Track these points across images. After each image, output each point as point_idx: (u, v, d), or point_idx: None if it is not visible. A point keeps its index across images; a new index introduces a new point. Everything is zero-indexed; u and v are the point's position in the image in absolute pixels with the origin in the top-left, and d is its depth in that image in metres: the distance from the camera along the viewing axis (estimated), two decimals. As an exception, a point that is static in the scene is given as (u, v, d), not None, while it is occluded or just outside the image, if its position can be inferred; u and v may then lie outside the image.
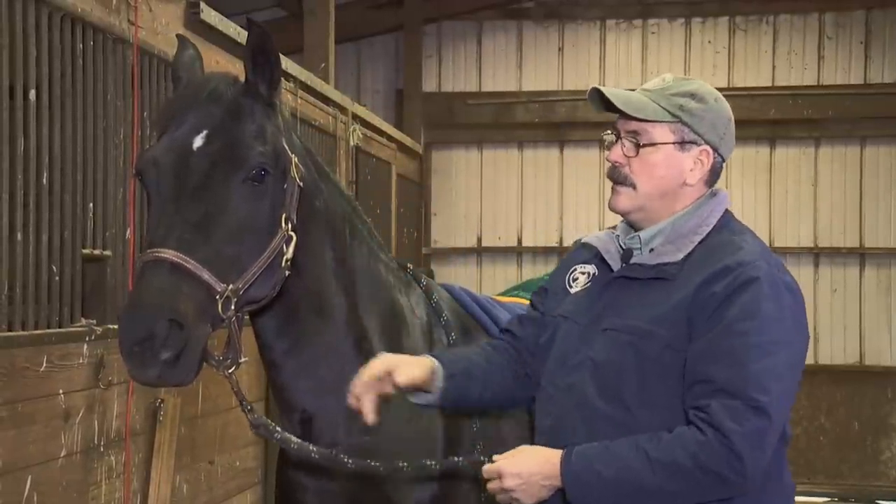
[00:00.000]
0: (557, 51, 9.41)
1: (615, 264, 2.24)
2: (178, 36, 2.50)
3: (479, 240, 9.41)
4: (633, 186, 2.20)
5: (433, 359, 2.27)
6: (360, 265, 2.51)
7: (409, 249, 8.65)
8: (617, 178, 2.23)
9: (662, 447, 1.97)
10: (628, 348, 2.09)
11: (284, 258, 2.18)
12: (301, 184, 2.26)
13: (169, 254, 1.97)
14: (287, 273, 2.21)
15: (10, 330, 3.06)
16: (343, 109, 6.57)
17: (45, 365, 3.16)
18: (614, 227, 2.37)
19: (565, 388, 2.18)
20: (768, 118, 8.95)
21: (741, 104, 8.92)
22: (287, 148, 2.26)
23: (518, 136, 9.25)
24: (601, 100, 2.22)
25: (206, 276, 1.99)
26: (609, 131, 2.29)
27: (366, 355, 2.38)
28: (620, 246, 2.27)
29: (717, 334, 2.02)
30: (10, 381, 2.99)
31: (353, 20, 8.74)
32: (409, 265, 2.90)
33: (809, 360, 8.88)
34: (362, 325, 2.48)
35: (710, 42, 9.23)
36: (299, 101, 5.54)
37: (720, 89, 8.44)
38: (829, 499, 8.62)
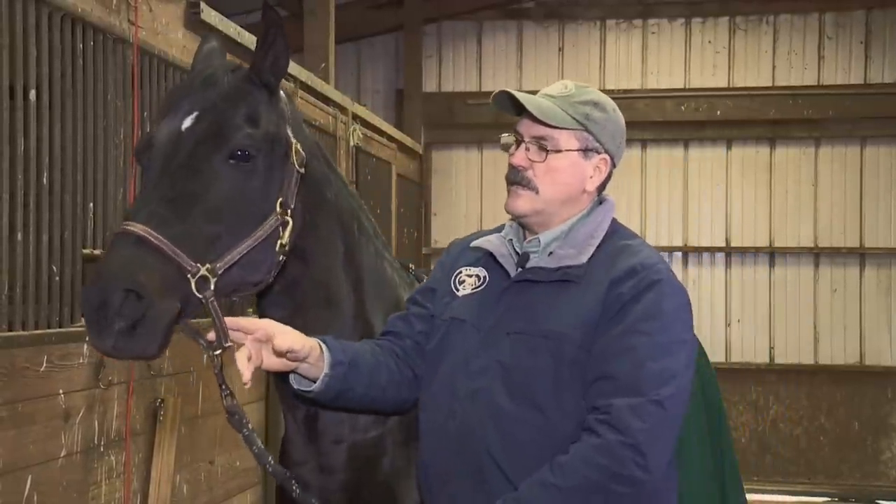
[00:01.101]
0: (557, 51, 9.41)
1: (511, 268, 2.24)
2: (203, 35, 2.52)
3: (480, 240, 9.40)
4: (536, 190, 2.22)
5: (320, 342, 2.16)
6: (368, 262, 2.50)
7: (410, 249, 8.65)
8: (518, 180, 2.24)
9: (568, 473, 1.96)
10: (542, 351, 2.09)
11: (279, 242, 2.16)
12: (302, 170, 2.26)
13: (137, 227, 1.96)
14: (282, 258, 2.19)
15: (10, 330, 3.06)
16: (343, 109, 6.57)
17: (45, 365, 3.16)
18: (499, 229, 2.38)
19: (469, 393, 2.14)
20: (768, 118, 8.95)
21: (741, 104, 8.96)
22: (291, 134, 2.26)
23: (518, 137, 9.24)
24: (511, 102, 2.24)
25: (172, 251, 1.97)
26: (508, 133, 2.30)
27: None
28: (515, 249, 2.28)
29: (620, 333, 2.05)
30: (11, 381, 3.00)
31: (353, 20, 8.75)
32: (411, 265, 2.89)
33: (809, 360, 8.99)
34: (369, 321, 2.47)
35: (710, 42, 9.23)
36: (299, 100, 5.54)
37: (720, 89, 8.51)
38: (829, 499, 8.62)
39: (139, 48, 3.75)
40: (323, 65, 6.45)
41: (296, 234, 2.22)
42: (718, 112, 8.98)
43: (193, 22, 4.17)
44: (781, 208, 9.08)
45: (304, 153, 2.28)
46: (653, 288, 2.08)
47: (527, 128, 2.24)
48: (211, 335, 2.06)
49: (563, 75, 9.24)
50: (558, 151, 2.21)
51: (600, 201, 2.30)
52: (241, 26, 4.81)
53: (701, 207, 9.15)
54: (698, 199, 9.16)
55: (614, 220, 2.28)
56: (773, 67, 9.11)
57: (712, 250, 9.16)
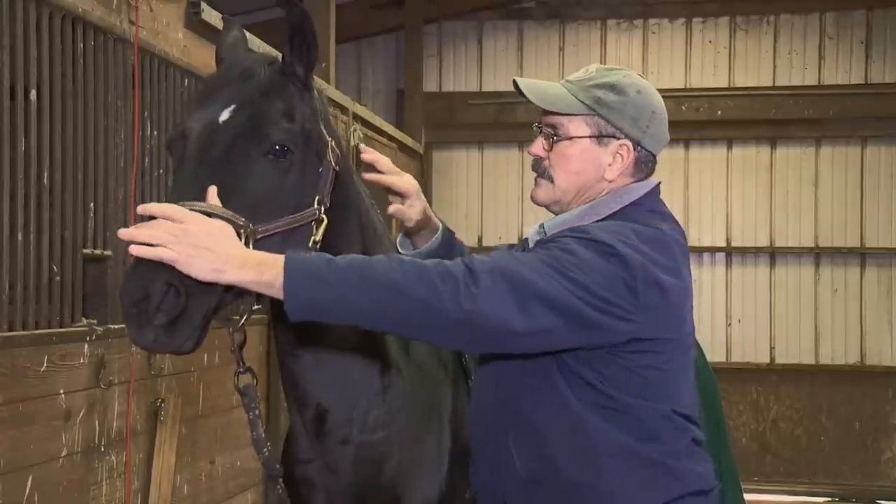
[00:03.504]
0: (558, 51, 9.41)
1: None
2: (223, 17, 2.51)
3: (480, 239, 9.41)
4: (551, 179, 2.20)
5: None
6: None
7: (410, 249, 8.64)
8: (538, 170, 2.24)
9: (409, 259, 1.92)
10: None
11: (312, 239, 2.15)
12: (337, 168, 2.26)
13: None
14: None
15: (10, 330, 3.07)
16: (344, 109, 6.57)
17: (45, 365, 3.16)
18: None
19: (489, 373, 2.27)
20: (769, 118, 8.95)
21: (742, 104, 8.96)
22: (324, 131, 2.25)
23: (519, 136, 9.24)
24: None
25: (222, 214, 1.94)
26: (537, 123, 2.27)
27: (382, 352, 2.39)
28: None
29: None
30: (11, 381, 3.00)
31: (353, 20, 8.75)
32: None
33: (810, 360, 8.97)
34: None
35: (710, 42, 9.23)
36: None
37: (721, 89, 8.45)
38: (829, 499, 8.62)
39: (139, 48, 3.75)
40: (323, 64, 6.45)
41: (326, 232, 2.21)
42: (719, 112, 8.98)
43: (194, 22, 4.17)
44: (782, 208, 9.08)
45: (338, 151, 2.28)
46: (573, 237, 2.01)
47: (543, 116, 2.23)
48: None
49: (564, 75, 9.10)
50: (568, 139, 2.17)
51: (629, 188, 2.20)
52: (243, 26, 4.80)
53: (701, 207, 9.15)
54: (699, 199, 9.16)
55: (636, 209, 2.16)
56: (774, 67, 9.11)
57: (713, 250, 9.16)
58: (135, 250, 1.80)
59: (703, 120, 8.96)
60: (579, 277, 1.92)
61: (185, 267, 1.79)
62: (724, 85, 9.10)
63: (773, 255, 9.08)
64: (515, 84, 2.21)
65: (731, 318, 9.08)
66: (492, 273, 1.88)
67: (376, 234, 2.50)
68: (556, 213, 2.25)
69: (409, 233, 2.64)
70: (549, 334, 1.94)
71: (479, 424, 2.29)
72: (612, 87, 2.17)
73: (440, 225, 2.63)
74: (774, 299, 9.05)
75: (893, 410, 8.77)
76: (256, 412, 2.22)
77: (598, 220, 2.14)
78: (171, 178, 2.13)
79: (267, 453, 2.25)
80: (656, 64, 9.24)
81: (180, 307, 1.87)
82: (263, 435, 2.26)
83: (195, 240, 1.80)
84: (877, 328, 8.88)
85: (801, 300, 9.01)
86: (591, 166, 2.18)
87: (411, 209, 2.53)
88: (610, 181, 2.19)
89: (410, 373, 2.47)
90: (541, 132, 2.24)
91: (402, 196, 2.54)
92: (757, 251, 9.10)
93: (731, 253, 9.15)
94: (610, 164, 2.17)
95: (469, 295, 1.85)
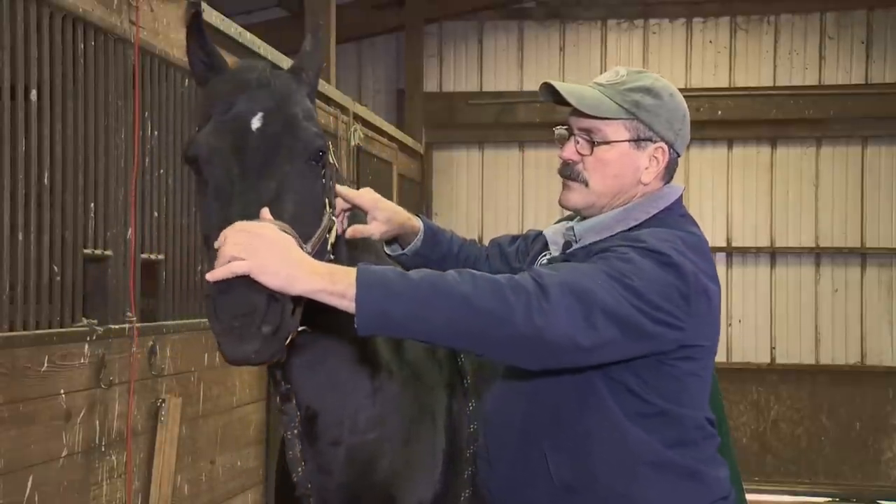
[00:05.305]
0: (559, 51, 9.41)
1: (556, 254, 2.26)
2: (188, 2, 2.48)
3: (480, 240, 9.33)
4: (586, 183, 2.18)
5: (421, 222, 2.54)
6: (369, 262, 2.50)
7: (411, 249, 8.64)
8: (569, 174, 2.21)
9: (482, 275, 1.89)
10: None
11: (329, 242, 2.14)
12: (338, 168, 2.27)
13: None
14: (332, 257, 2.16)
15: (11, 330, 3.07)
16: (344, 109, 6.57)
17: (46, 365, 3.16)
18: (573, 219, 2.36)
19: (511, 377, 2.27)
20: (770, 118, 8.95)
21: (742, 104, 8.96)
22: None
23: (519, 136, 9.26)
24: (553, 93, 2.19)
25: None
26: (563, 127, 2.25)
27: (373, 354, 2.39)
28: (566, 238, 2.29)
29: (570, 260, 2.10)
30: (12, 381, 3.00)
31: (353, 20, 8.75)
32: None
33: (811, 360, 8.95)
34: None
35: (711, 42, 9.23)
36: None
37: (721, 89, 8.48)
38: (830, 499, 8.62)
39: (140, 48, 3.75)
40: (324, 65, 6.45)
41: None
42: (719, 112, 8.98)
43: (194, 22, 4.17)
44: (782, 208, 9.08)
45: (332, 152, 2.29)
46: (631, 246, 2.00)
47: (575, 120, 2.20)
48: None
49: (564, 75, 9.24)
50: (606, 143, 2.15)
51: (661, 191, 2.20)
52: (242, 26, 4.81)
53: (702, 207, 9.14)
54: (699, 199, 9.15)
55: (669, 213, 2.16)
56: (775, 67, 9.11)
57: (714, 250, 9.04)
58: (211, 277, 1.75)
59: (704, 120, 8.94)
60: (637, 286, 1.91)
61: (258, 274, 1.73)
62: (725, 85, 9.11)
63: (774, 255, 9.09)
64: (549, 86, 2.19)
65: (732, 318, 9.08)
66: (561, 287, 1.86)
67: (364, 239, 2.50)
68: (585, 218, 2.23)
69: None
70: (607, 346, 1.92)
71: (505, 431, 2.25)
72: (649, 91, 2.17)
73: (420, 224, 2.57)
74: (775, 299, 9.05)
75: (894, 410, 8.77)
76: (295, 431, 2.23)
77: (635, 225, 2.14)
78: (211, 194, 2.03)
79: (301, 472, 2.28)
80: (657, 64, 9.25)
81: (281, 315, 1.84)
82: (299, 455, 2.28)
83: (270, 245, 1.75)
84: (877, 328, 8.88)
85: (801, 300, 9.01)
86: (629, 170, 2.17)
87: (373, 224, 2.43)
88: (645, 184, 2.19)
89: (403, 374, 2.46)
90: (571, 135, 2.22)
91: (363, 211, 2.45)
92: (757, 251, 9.10)
93: (731, 253, 9.15)
94: (646, 168, 2.18)
95: (541, 310, 1.83)
